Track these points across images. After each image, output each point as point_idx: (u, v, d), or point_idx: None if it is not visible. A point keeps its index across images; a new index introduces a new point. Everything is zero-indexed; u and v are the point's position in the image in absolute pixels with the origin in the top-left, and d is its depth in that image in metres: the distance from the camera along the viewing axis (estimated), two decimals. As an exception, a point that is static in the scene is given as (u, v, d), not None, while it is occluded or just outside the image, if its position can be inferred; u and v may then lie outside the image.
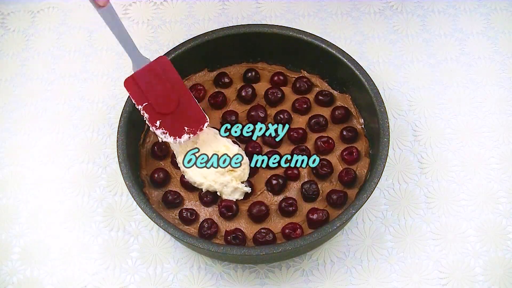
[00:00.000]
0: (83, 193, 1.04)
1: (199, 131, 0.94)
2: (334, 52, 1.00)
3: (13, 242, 1.00)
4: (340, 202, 0.95)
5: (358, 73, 0.98)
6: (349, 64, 0.99)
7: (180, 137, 0.93)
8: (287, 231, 0.93)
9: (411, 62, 1.14)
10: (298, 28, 1.03)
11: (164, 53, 1.02)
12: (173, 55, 1.02)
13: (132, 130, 0.97)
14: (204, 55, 1.05)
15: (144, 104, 0.92)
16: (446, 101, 1.10)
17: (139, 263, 0.98)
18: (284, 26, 1.04)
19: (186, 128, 0.93)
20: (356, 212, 0.89)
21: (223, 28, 1.04)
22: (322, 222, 0.92)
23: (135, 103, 0.93)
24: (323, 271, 0.97)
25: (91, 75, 1.15)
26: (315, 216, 0.93)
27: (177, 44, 1.03)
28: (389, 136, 0.93)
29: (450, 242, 0.98)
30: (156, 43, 1.18)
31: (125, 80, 0.92)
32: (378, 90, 0.97)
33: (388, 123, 0.94)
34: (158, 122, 0.92)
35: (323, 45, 1.01)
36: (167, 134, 0.93)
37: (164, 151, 1.00)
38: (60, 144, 1.08)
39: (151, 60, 0.92)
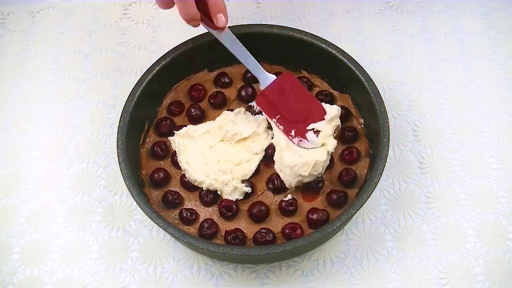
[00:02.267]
0: (83, 193, 1.04)
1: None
2: (334, 52, 1.00)
3: (13, 242, 1.00)
4: (340, 202, 0.95)
5: (358, 73, 0.98)
6: (349, 64, 0.99)
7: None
8: (287, 231, 0.93)
9: (411, 62, 1.14)
10: (298, 28, 1.03)
11: (164, 53, 1.02)
12: (173, 55, 1.02)
13: (132, 130, 0.97)
14: (204, 55, 1.05)
15: (277, 117, 0.97)
16: (446, 101, 1.10)
17: (139, 263, 0.98)
18: (284, 26, 1.04)
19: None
20: (356, 212, 0.89)
21: None
22: (322, 222, 0.92)
23: (267, 117, 0.98)
24: (323, 271, 0.97)
25: (91, 75, 1.15)
26: (315, 216, 0.93)
27: (177, 44, 1.03)
28: (389, 136, 0.93)
29: (450, 242, 0.98)
30: (156, 43, 1.18)
31: (256, 97, 1.00)
32: (378, 90, 0.97)
33: (388, 123, 0.94)
34: (293, 132, 0.96)
35: (323, 45, 1.01)
36: (304, 140, 0.96)
37: (164, 151, 1.00)
38: (60, 144, 1.08)
39: (275, 76, 0.98)
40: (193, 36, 1.04)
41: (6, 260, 0.99)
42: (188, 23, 0.92)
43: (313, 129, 0.96)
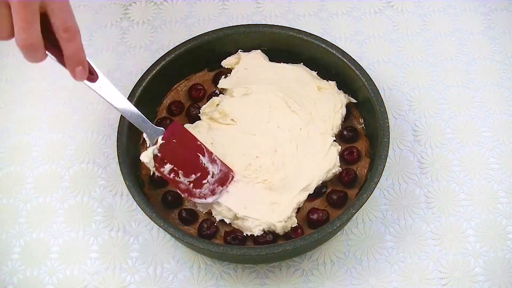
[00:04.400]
0: (83, 193, 1.04)
1: (227, 186, 0.93)
2: (334, 52, 1.00)
3: (13, 242, 1.00)
4: (340, 202, 0.95)
5: (358, 73, 0.98)
6: (349, 64, 0.99)
7: (213, 194, 0.93)
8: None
9: (411, 62, 1.14)
10: (298, 28, 1.03)
11: (164, 54, 1.02)
12: (173, 55, 1.02)
13: (132, 130, 0.97)
14: (204, 55, 1.05)
15: (172, 175, 0.91)
16: (446, 101, 1.10)
17: (139, 263, 0.98)
18: (284, 26, 1.04)
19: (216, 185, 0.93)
20: (356, 212, 0.89)
21: (223, 28, 1.04)
22: (322, 222, 0.92)
23: (165, 177, 0.91)
24: (323, 271, 0.97)
25: (91, 75, 1.15)
26: (315, 216, 0.93)
27: (177, 44, 1.03)
28: (389, 136, 0.93)
29: (450, 242, 0.98)
30: (156, 43, 1.18)
31: (155, 168, 0.91)
32: (378, 90, 0.97)
33: (388, 123, 0.94)
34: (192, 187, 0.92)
35: (323, 45, 1.01)
36: (204, 198, 0.93)
37: None
38: (60, 144, 1.08)
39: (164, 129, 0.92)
40: (193, 36, 1.04)
41: (6, 260, 0.99)
42: (29, 59, 0.78)
43: (207, 181, 0.92)
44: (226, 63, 1.06)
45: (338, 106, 1.00)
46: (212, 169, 0.93)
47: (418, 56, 1.15)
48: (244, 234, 0.93)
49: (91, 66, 0.82)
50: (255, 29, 1.04)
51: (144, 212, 0.90)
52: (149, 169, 0.98)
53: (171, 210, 0.97)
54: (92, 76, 0.83)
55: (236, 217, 0.93)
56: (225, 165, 0.94)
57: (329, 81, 1.03)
